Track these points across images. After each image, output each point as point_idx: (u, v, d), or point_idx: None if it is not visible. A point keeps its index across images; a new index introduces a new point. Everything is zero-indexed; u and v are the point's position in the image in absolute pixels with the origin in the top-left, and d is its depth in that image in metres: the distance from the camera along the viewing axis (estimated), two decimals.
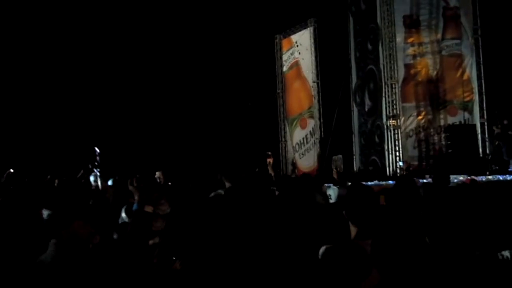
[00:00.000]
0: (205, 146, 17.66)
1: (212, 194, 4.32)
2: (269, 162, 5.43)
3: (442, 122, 14.06)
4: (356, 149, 16.19)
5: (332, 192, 4.90)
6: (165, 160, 15.63)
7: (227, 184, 4.04)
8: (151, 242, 2.45)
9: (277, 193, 3.91)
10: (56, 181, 6.98)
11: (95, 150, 6.43)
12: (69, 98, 17.27)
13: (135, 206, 2.24)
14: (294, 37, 18.76)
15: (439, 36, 14.27)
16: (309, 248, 2.73)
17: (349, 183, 5.29)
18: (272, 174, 5.07)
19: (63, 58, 17.21)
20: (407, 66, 14.21)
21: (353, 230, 2.59)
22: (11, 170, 4.40)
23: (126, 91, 18.06)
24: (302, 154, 18.44)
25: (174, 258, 2.43)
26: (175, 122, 18.32)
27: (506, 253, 2.96)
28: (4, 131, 15.83)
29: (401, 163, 13.33)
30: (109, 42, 17.59)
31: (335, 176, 5.88)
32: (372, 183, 10.95)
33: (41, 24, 16.59)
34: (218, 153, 16.77)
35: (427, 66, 14.22)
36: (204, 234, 2.36)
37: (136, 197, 2.28)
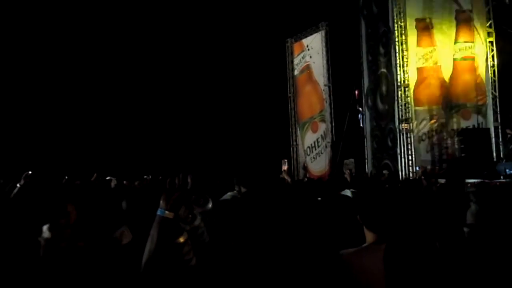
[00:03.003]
0: (216, 150, 17.72)
1: (227, 197, 4.34)
2: (284, 169, 5.44)
3: (455, 126, 13.96)
4: (368, 152, 16.13)
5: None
6: (179, 164, 15.71)
7: (243, 189, 4.05)
8: (181, 240, 2.52)
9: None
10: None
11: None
12: (86, 102, 17.45)
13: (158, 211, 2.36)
14: (305, 41, 18.77)
15: (452, 39, 14.18)
16: (324, 252, 2.74)
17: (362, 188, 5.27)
18: (289, 180, 5.06)
19: (81, 66, 17.40)
20: (420, 70, 14.14)
21: (367, 235, 2.60)
22: (29, 172, 4.46)
23: (143, 98, 18.22)
24: (314, 158, 18.41)
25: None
26: (186, 126, 18.41)
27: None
28: (18, 136, 16.02)
29: (417, 168, 13.26)
30: (129, 50, 17.77)
31: (348, 178, 5.86)
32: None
33: (61, 32, 16.81)
34: (229, 157, 16.81)
35: (439, 69, 14.13)
36: (221, 237, 2.40)
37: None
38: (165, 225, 2.21)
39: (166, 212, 2.23)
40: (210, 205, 2.99)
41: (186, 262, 2.35)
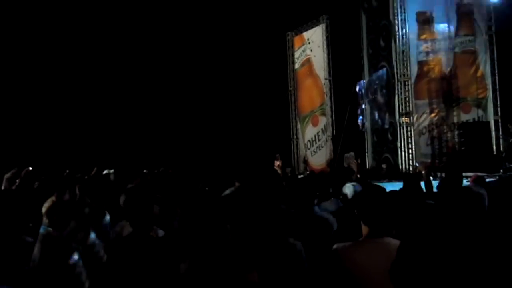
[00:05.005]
0: (216, 144, 17.73)
1: (227, 192, 4.37)
2: (278, 164, 5.45)
3: (455, 119, 13.94)
4: (368, 146, 16.15)
5: (348, 190, 4.80)
6: (176, 158, 15.74)
7: (237, 183, 4.08)
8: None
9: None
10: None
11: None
12: (86, 96, 17.45)
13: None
14: (306, 34, 18.72)
15: (453, 32, 14.14)
16: (319, 246, 2.76)
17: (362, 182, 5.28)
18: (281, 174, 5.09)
19: (78, 62, 17.35)
20: (420, 63, 14.11)
21: (363, 229, 2.62)
22: (30, 168, 4.45)
23: (140, 92, 18.20)
24: (314, 151, 18.42)
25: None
26: (185, 120, 18.41)
27: None
28: (19, 131, 16.04)
29: (417, 164, 13.29)
30: (126, 42, 17.73)
31: (355, 168, 5.88)
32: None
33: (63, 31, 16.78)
34: (229, 151, 16.83)
35: (440, 63, 14.10)
36: (212, 233, 2.38)
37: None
38: (48, 242, 2.03)
39: (48, 228, 2.06)
40: (107, 219, 2.75)
41: (80, 285, 2.08)
